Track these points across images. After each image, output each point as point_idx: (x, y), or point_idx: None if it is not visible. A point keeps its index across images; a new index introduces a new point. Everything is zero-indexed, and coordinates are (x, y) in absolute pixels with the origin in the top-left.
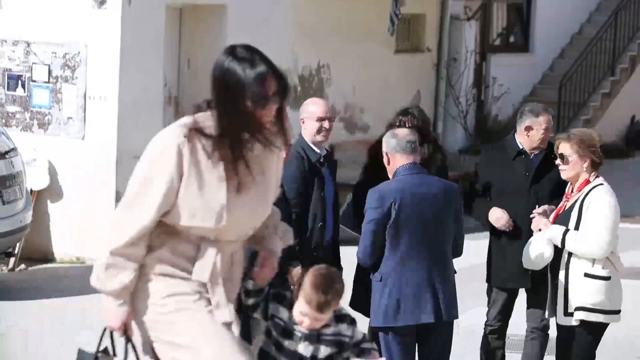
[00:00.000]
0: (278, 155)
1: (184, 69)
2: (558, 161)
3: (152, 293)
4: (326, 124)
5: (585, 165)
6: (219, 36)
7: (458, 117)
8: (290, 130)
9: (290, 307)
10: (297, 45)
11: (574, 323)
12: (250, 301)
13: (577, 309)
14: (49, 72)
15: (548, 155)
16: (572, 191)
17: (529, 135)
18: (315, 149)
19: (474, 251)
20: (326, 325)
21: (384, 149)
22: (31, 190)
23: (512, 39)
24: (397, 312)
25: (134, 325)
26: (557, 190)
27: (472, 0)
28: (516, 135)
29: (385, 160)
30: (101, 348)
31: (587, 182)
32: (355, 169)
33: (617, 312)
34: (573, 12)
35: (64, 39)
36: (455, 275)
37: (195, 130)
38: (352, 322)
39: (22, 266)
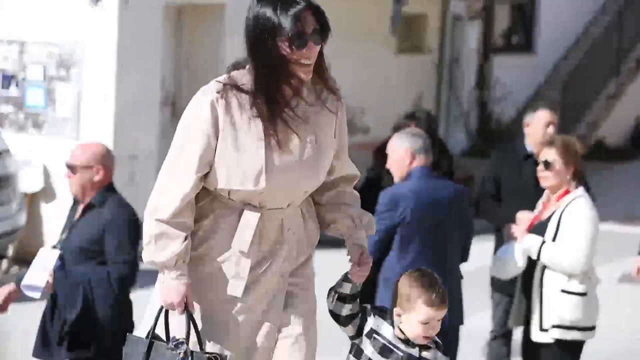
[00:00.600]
0: (335, 114)
1: (182, 69)
2: (540, 167)
3: (201, 274)
4: None
5: (569, 173)
6: (218, 36)
7: (460, 118)
8: (337, 85)
9: (392, 323)
10: None
11: (550, 340)
12: (345, 311)
13: (554, 326)
14: (44, 72)
15: None
16: (548, 200)
17: (529, 132)
18: None
19: (477, 254)
20: (427, 347)
21: (407, 147)
22: (25, 193)
23: (515, 40)
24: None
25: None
26: None
27: (475, 0)
28: (525, 136)
29: (406, 159)
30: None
31: (567, 192)
32: None
33: (593, 328)
34: (577, 13)
35: (59, 38)
36: (462, 279)
37: (230, 86)
38: (445, 351)
39: (16, 268)
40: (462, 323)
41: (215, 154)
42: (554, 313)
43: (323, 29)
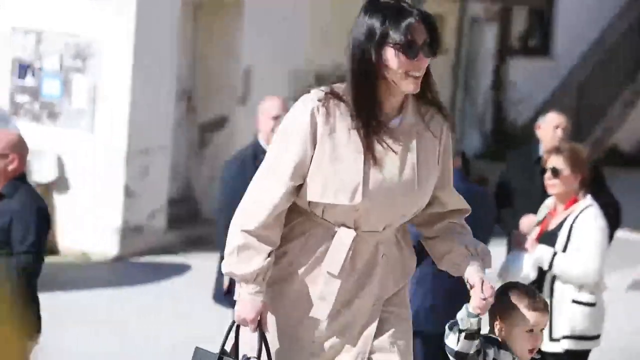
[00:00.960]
0: (438, 139)
1: (198, 64)
2: (548, 175)
3: (282, 294)
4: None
5: (577, 181)
6: (235, 32)
7: (475, 120)
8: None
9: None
10: (315, 44)
11: (560, 350)
12: (474, 348)
13: (565, 337)
14: (61, 62)
15: None
16: (555, 208)
17: (540, 135)
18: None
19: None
20: None
21: None
22: (38, 183)
23: (532, 43)
24: (429, 317)
25: (270, 320)
26: None
27: (493, 2)
28: (540, 143)
29: None
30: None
31: (575, 200)
32: None
33: (599, 336)
34: (595, 18)
35: (77, 29)
36: None
37: (332, 95)
38: None
39: None
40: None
41: (310, 164)
42: (564, 323)
43: (434, 42)
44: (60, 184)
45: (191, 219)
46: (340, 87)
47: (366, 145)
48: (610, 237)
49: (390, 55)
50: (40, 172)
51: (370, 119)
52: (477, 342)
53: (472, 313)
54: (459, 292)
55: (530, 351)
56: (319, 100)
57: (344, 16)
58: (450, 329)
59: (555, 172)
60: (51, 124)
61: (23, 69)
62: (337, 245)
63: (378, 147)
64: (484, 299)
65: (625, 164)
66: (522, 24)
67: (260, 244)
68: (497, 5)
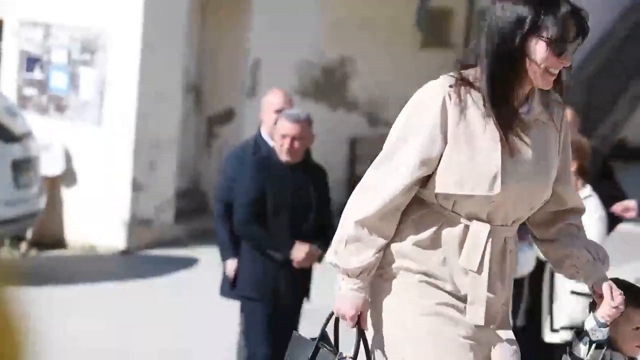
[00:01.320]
0: (559, 131)
1: (206, 58)
2: None
3: (398, 298)
4: None
5: (573, 169)
6: (244, 25)
7: None
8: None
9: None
10: (323, 38)
11: (560, 341)
12: (601, 356)
13: (564, 328)
14: (69, 55)
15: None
16: None
17: None
18: (271, 143)
19: None
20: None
21: None
22: (46, 176)
23: None
24: None
25: (369, 318)
26: None
27: None
28: None
29: None
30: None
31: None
32: None
33: None
34: (602, 11)
35: (85, 22)
36: None
37: (463, 82)
38: None
39: (34, 251)
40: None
41: (441, 155)
42: (564, 314)
43: (582, 37)
44: (68, 177)
45: (199, 212)
46: (469, 73)
47: (503, 134)
48: (611, 228)
49: (539, 48)
50: (47, 165)
51: (505, 108)
52: (604, 350)
53: (602, 322)
54: None
55: (638, 347)
56: (450, 87)
57: (352, 8)
58: (580, 339)
59: None
60: (59, 117)
61: (31, 62)
62: (473, 239)
63: (512, 137)
64: (615, 307)
65: (633, 158)
66: None
67: (372, 236)
68: None
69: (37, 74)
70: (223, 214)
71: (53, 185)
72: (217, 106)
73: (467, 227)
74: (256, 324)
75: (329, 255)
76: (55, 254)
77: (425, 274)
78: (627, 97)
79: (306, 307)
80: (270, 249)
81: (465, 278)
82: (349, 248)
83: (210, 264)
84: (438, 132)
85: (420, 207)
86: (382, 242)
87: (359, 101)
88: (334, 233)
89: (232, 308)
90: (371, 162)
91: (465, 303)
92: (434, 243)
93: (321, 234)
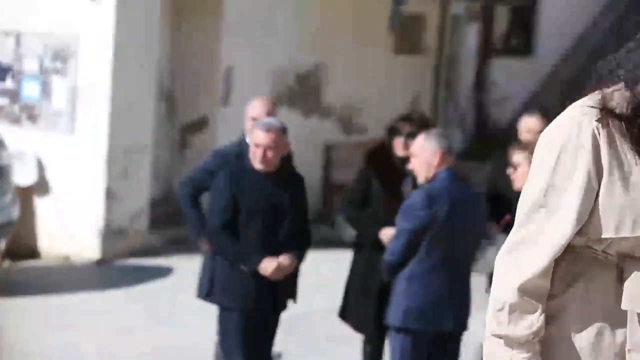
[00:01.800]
0: None
1: (179, 64)
2: (509, 170)
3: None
4: None
5: None
6: (216, 33)
7: (457, 120)
8: None
9: None
10: (296, 45)
11: None
12: None
13: None
14: (40, 64)
15: None
16: None
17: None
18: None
19: None
20: None
21: (436, 147)
22: (18, 186)
23: (514, 42)
24: (419, 315)
25: None
26: None
27: (474, 1)
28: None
29: (435, 160)
30: None
31: None
32: (351, 171)
33: None
34: (577, 16)
35: (56, 30)
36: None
37: (607, 111)
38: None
39: (6, 263)
40: (466, 329)
41: (597, 195)
42: None
43: None
44: (41, 186)
45: (173, 221)
46: (610, 95)
47: None
48: None
49: None
50: (20, 175)
51: None
52: None
53: None
54: (448, 292)
55: None
56: (597, 120)
57: (325, 15)
58: None
59: (514, 167)
60: (31, 126)
61: (2, 71)
62: (634, 279)
63: None
64: None
65: None
66: (504, 23)
67: (535, 297)
68: (479, 5)
69: (8, 83)
70: (192, 198)
71: (26, 195)
72: (190, 114)
73: (620, 267)
74: (232, 332)
75: (490, 324)
76: (29, 264)
77: (592, 331)
78: None
79: (283, 315)
80: (238, 262)
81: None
82: (514, 316)
83: (186, 273)
84: (592, 172)
85: (567, 253)
86: (541, 302)
87: (333, 107)
88: (309, 239)
89: (210, 316)
90: (346, 168)
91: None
92: (590, 292)
93: (297, 242)
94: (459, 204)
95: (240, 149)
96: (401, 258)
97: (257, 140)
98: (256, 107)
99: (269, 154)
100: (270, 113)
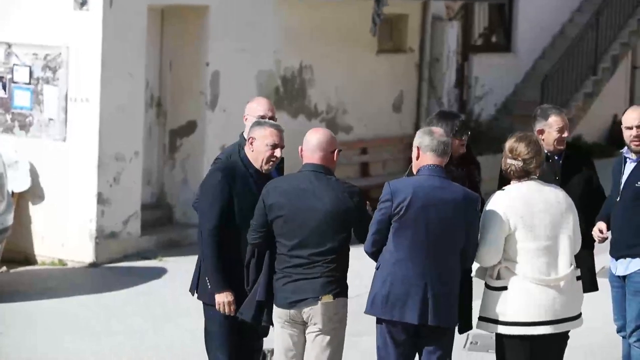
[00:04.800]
0: None
1: (166, 71)
2: None
3: None
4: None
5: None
6: (202, 38)
7: None
8: None
9: None
10: (280, 47)
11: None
12: None
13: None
14: (30, 73)
15: (571, 155)
16: None
17: (543, 138)
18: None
19: None
20: None
21: (416, 143)
22: (12, 192)
23: (494, 39)
24: (385, 305)
25: None
26: (588, 190)
27: (454, 0)
28: None
29: (414, 154)
30: None
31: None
32: (337, 171)
33: (514, 323)
34: (555, 12)
35: (45, 40)
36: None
37: None
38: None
39: (4, 268)
40: (449, 325)
41: None
42: (481, 307)
43: None
44: (35, 192)
45: (165, 223)
46: None
47: None
48: None
49: None
50: (14, 182)
51: None
52: None
53: None
54: (417, 286)
55: None
56: None
57: (309, 17)
58: None
59: None
60: (23, 135)
61: None
62: None
63: None
64: None
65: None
66: (484, 21)
67: None
68: (459, 3)
69: (0, 93)
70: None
71: (20, 202)
72: (179, 119)
73: None
74: (215, 330)
75: None
76: (25, 269)
77: None
78: (580, 95)
79: None
80: (208, 276)
81: None
82: None
83: (179, 274)
84: None
85: None
86: None
87: (319, 108)
88: None
89: (202, 317)
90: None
91: None
92: None
93: None
94: (435, 200)
95: (240, 149)
96: (371, 245)
97: (273, 140)
98: (262, 107)
99: (278, 153)
100: (273, 112)
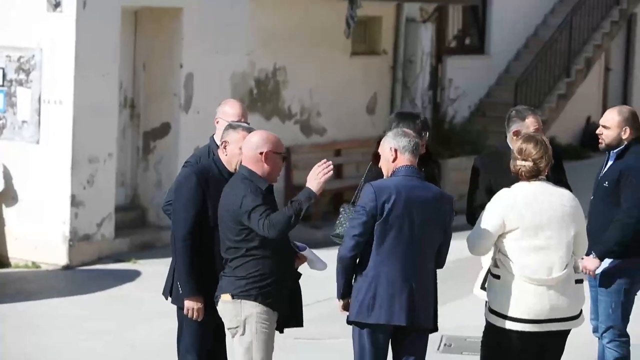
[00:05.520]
0: None
1: (139, 73)
2: None
3: None
4: None
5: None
6: (175, 39)
7: None
8: None
9: None
10: (254, 49)
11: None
12: None
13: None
14: (3, 75)
15: None
16: None
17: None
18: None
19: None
20: None
21: (392, 145)
22: None
23: (467, 41)
24: (371, 309)
25: None
26: None
27: (428, 2)
28: (508, 142)
29: (391, 156)
30: None
31: None
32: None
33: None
34: (528, 15)
35: (19, 42)
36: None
37: None
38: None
39: None
40: (430, 326)
41: None
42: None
43: None
44: (8, 195)
45: (138, 225)
46: None
47: None
48: None
49: None
50: None
51: None
52: None
53: None
54: (402, 287)
55: None
56: None
57: (283, 19)
58: None
59: None
60: None
61: None
62: None
63: None
64: None
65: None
66: (458, 23)
67: None
68: (433, 5)
69: None
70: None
71: None
72: (152, 120)
73: None
74: (187, 334)
75: None
76: None
77: None
78: (554, 97)
79: None
80: (181, 281)
81: None
82: None
83: (152, 276)
84: None
85: None
86: None
87: (292, 110)
88: None
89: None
90: (306, 169)
91: None
92: None
93: None
94: (415, 200)
95: (210, 151)
96: (350, 250)
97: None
98: (237, 111)
99: None
100: (246, 117)
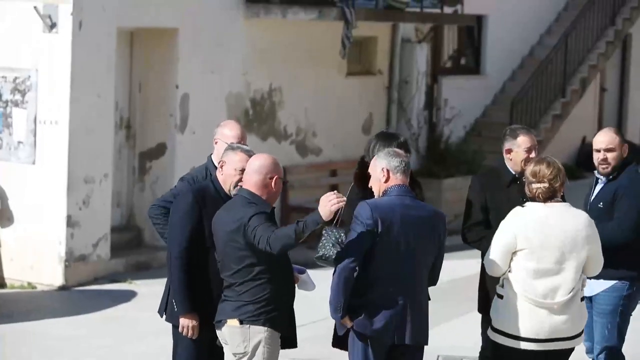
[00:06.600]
0: None
1: (135, 93)
2: None
3: None
4: None
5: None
6: (171, 60)
7: (410, 139)
8: None
9: None
10: (250, 69)
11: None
12: None
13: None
14: (0, 97)
15: None
16: None
17: (510, 158)
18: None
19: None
20: None
21: (384, 165)
22: None
23: (463, 61)
24: (370, 325)
25: None
26: None
27: (423, 22)
28: (506, 161)
29: (382, 176)
30: None
31: None
32: (307, 192)
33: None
34: (524, 35)
35: (15, 63)
36: (429, 301)
37: None
38: None
39: None
40: (425, 344)
41: None
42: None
43: None
44: (4, 215)
45: (134, 246)
46: None
47: None
48: None
49: None
50: None
51: None
52: None
53: None
54: (398, 306)
55: None
56: None
57: (278, 39)
58: None
59: None
60: None
61: None
62: None
63: None
64: None
65: None
66: (454, 43)
67: None
68: (428, 26)
69: None
70: (164, 214)
71: None
72: (148, 141)
73: None
74: (182, 352)
75: None
76: None
77: None
78: (549, 117)
79: None
80: (175, 299)
81: None
82: None
83: (148, 296)
84: None
85: None
86: None
87: (288, 130)
88: None
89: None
90: (302, 189)
91: None
92: None
93: None
94: (411, 219)
95: (208, 172)
96: (352, 272)
97: (242, 165)
98: (234, 132)
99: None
100: (245, 139)
